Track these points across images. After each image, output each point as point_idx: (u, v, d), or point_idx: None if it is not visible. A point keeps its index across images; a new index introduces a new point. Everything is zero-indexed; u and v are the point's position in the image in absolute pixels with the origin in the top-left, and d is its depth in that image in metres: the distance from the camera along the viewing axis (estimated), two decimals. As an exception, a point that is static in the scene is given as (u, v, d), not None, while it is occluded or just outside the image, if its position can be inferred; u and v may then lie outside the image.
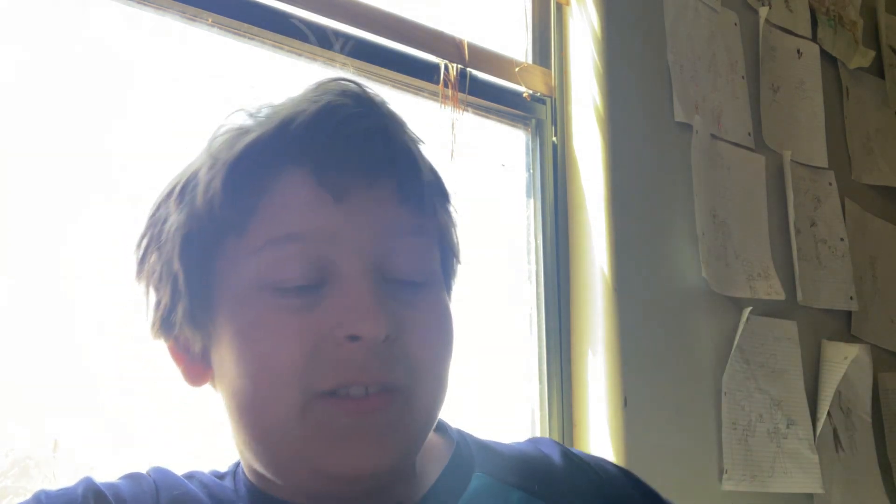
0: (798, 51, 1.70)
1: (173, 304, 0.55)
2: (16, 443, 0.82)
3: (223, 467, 0.62)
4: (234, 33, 1.05)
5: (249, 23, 1.04)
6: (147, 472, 0.57)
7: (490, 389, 1.19)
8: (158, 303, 0.56)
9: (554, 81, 1.37)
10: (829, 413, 1.44)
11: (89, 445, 0.85)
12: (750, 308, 1.38)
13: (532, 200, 1.33)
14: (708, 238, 1.37)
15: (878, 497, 1.51)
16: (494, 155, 1.32)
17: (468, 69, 1.25)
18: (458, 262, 0.62)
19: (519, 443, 0.68)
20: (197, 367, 0.57)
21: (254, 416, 0.52)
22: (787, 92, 1.65)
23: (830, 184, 1.66)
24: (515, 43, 1.38)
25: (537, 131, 1.36)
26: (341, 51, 1.11)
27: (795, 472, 1.36)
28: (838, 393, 1.47)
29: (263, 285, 0.52)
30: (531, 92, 1.34)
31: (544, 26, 1.40)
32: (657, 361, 1.28)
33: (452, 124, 1.20)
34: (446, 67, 1.22)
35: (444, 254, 0.60)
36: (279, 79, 1.09)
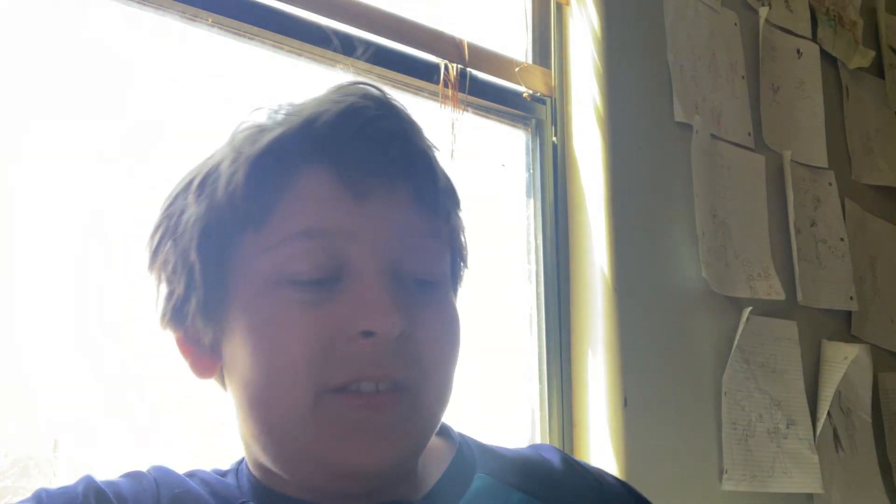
0: (798, 51, 1.70)
1: (187, 295, 0.56)
2: (16, 443, 0.82)
3: (224, 466, 0.62)
4: (234, 33, 1.05)
5: (249, 23, 1.04)
6: (147, 471, 0.58)
7: (490, 389, 1.19)
8: (171, 294, 0.57)
9: (554, 81, 1.37)
10: (829, 413, 1.44)
11: (89, 445, 0.85)
12: (750, 308, 1.38)
13: (532, 200, 1.33)
14: (708, 238, 1.37)
15: (878, 497, 1.51)
16: (494, 155, 1.32)
17: (468, 69, 1.25)
18: (466, 266, 0.63)
19: (520, 448, 0.69)
20: (205, 360, 0.58)
21: (264, 409, 0.53)
22: (787, 92, 1.65)
23: (830, 184, 1.66)
24: (515, 43, 1.38)
25: (537, 131, 1.36)
26: (341, 51, 1.11)
27: (795, 472, 1.36)
28: (838, 393, 1.47)
29: (279, 279, 0.52)
30: (531, 92, 1.34)
31: (544, 26, 1.40)
32: (657, 361, 1.28)
33: (452, 124, 1.20)
34: (446, 67, 1.22)
35: (454, 258, 0.61)
36: (279, 79, 1.09)
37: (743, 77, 1.56)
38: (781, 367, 1.42)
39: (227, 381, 0.58)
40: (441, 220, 0.58)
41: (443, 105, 1.20)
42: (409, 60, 1.19)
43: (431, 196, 0.57)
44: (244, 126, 0.57)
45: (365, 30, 1.14)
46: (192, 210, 0.55)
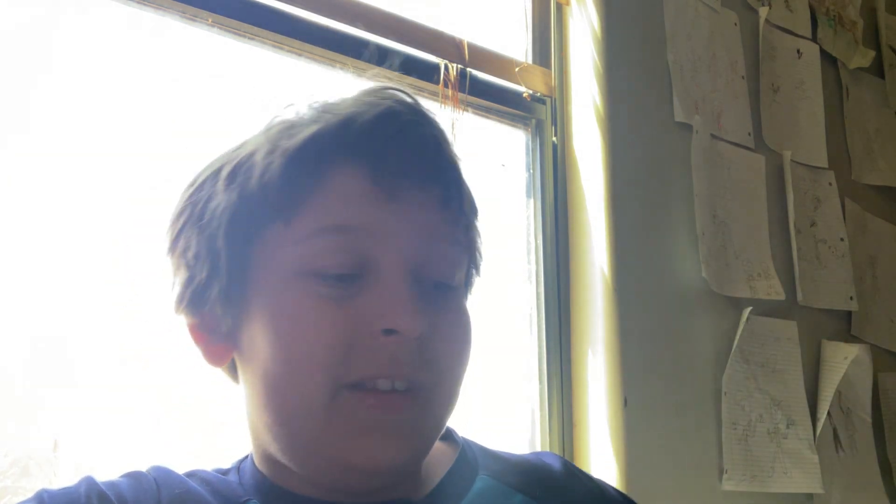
0: (798, 51, 1.70)
1: (209, 281, 0.56)
2: (16, 443, 0.82)
3: (225, 466, 0.62)
4: (234, 33, 1.05)
5: (249, 23, 1.04)
6: (147, 471, 0.58)
7: (490, 389, 1.19)
8: (191, 279, 0.57)
9: (554, 81, 1.37)
10: (829, 413, 1.44)
11: (89, 445, 0.85)
12: (750, 308, 1.38)
13: (532, 200, 1.33)
14: (708, 238, 1.37)
15: (878, 497, 1.51)
16: (494, 155, 1.32)
17: (468, 69, 1.25)
18: (478, 275, 0.65)
19: (522, 453, 0.70)
20: (219, 347, 0.58)
21: (281, 399, 0.53)
22: (787, 92, 1.65)
23: (830, 184, 1.66)
24: (515, 43, 1.38)
25: (537, 131, 1.36)
26: (342, 51, 1.11)
27: (795, 472, 1.36)
28: (838, 393, 1.47)
29: (305, 272, 0.53)
30: (531, 92, 1.34)
31: (544, 26, 1.40)
32: (657, 361, 1.28)
33: (452, 124, 1.20)
34: (446, 67, 1.22)
35: (469, 265, 0.62)
36: (279, 79, 1.09)
37: (743, 77, 1.56)
38: (781, 367, 1.42)
39: (240, 370, 0.58)
40: (462, 228, 0.60)
41: (443, 105, 1.20)
42: (409, 60, 1.19)
43: (456, 203, 0.58)
44: (279, 119, 0.58)
45: (365, 30, 1.14)
46: (222, 198, 0.56)
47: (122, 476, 0.57)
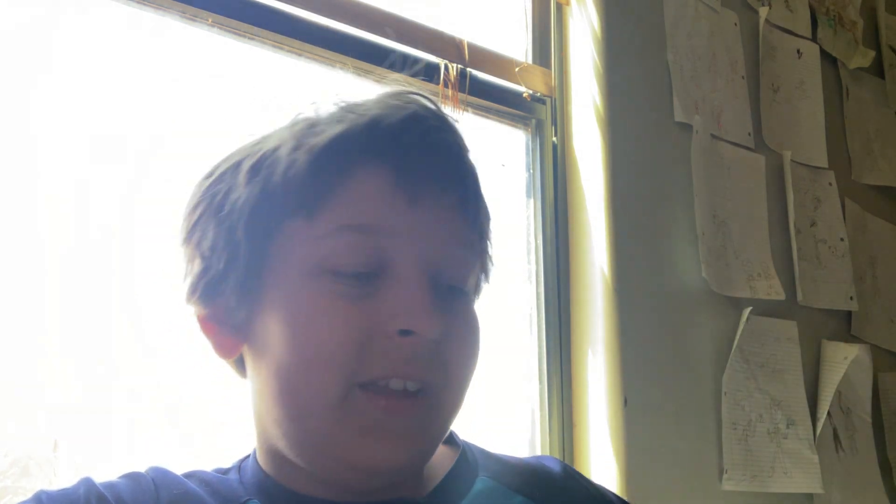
0: (798, 51, 1.70)
1: (226, 272, 0.56)
2: (16, 443, 0.82)
3: (225, 466, 0.62)
4: (234, 33, 1.05)
5: (249, 23, 1.04)
6: (146, 472, 0.58)
7: (490, 389, 1.19)
8: (206, 270, 0.57)
9: (554, 81, 1.37)
10: (829, 413, 1.44)
11: (89, 445, 0.85)
12: (750, 308, 1.38)
13: (532, 200, 1.33)
14: (708, 238, 1.37)
15: (878, 497, 1.51)
16: (494, 155, 1.32)
17: (468, 69, 1.25)
18: (487, 281, 0.65)
19: (522, 457, 0.71)
20: (229, 339, 0.58)
21: (293, 395, 0.54)
22: (787, 92, 1.65)
23: (830, 184, 1.66)
24: (515, 43, 1.38)
25: (537, 131, 1.36)
26: (342, 51, 1.11)
27: (795, 472, 1.36)
28: (838, 393, 1.47)
29: (323, 268, 0.54)
30: (531, 92, 1.34)
31: (544, 26, 1.40)
32: (657, 361, 1.28)
33: (452, 124, 1.20)
34: (446, 67, 1.22)
35: (480, 272, 0.63)
36: (279, 79, 1.09)
37: (743, 77, 1.56)
38: (781, 367, 1.42)
39: (250, 364, 0.58)
40: (477, 234, 0.60)
41: (443, 105, 1.20)
42: (409, 60, 1.19)
43: (473, 209, 0.59)
44: (302, 117, 0.58)
45: (365, 30, 1.14)
46: (243, 191, 0.56)
47: (120, 477, 0.57)
